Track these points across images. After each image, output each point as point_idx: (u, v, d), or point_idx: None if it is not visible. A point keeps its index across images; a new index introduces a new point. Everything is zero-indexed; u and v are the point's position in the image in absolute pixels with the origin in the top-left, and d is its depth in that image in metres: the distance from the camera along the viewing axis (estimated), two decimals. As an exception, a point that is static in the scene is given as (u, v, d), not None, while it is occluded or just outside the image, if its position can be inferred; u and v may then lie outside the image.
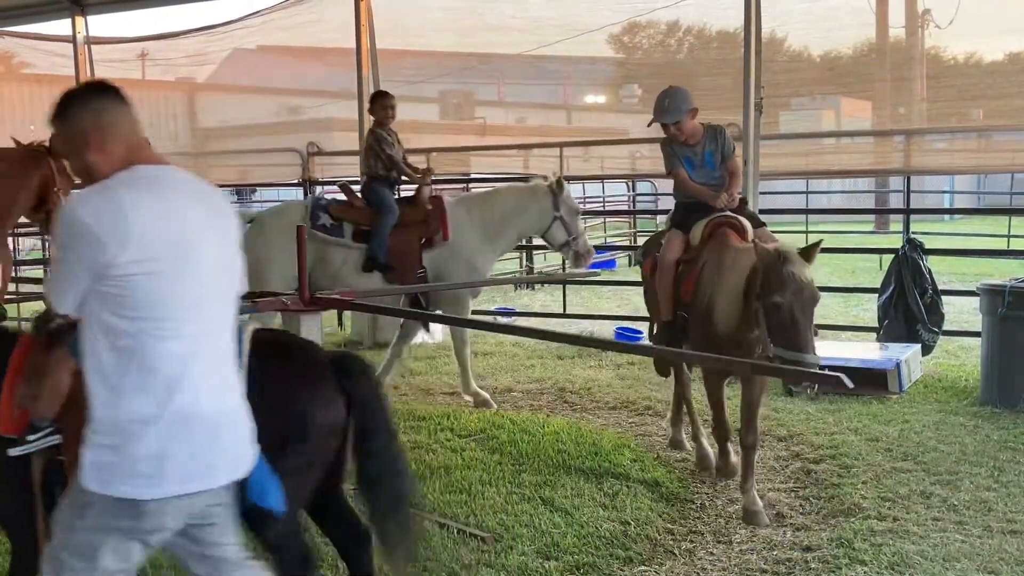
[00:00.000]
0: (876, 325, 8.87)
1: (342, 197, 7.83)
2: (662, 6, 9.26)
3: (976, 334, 7.99)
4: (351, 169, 10.57)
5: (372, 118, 7.83)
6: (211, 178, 13.03)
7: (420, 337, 8.73)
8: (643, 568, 4.45)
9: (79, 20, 11.60)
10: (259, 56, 12.35)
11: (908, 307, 8.45)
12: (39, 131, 13.45)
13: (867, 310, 11.02)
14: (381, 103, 7.72)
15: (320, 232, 7.36)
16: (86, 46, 11.71)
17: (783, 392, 7.62)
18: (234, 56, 12.29)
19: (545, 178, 7.70)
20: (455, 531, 4.77)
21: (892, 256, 8.90)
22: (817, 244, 4.67)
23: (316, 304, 5.73)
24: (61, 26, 12.03)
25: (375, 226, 7.43)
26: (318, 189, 12.39)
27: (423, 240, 7.46)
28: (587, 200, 20.32)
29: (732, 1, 8.55)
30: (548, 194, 7.47)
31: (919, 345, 8.25)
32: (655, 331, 6.14)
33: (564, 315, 11.41)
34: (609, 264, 16.28)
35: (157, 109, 12.70)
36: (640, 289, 7.14)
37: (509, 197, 7.71)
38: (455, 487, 5.44)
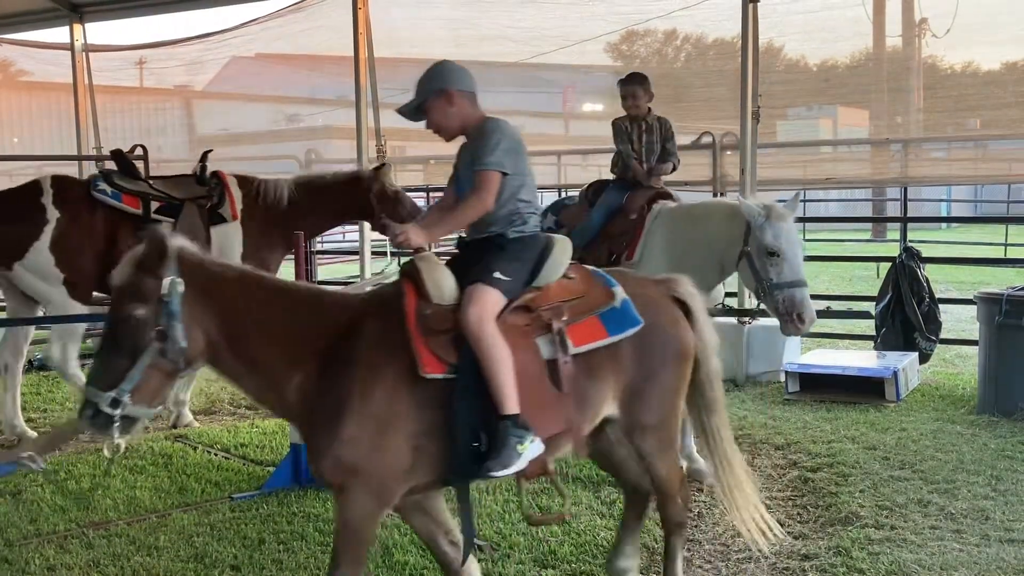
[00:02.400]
0: (873, 333, 8.87)
1: None
2: (656, 15, 9.29)
3: (973, 343, 8.00)
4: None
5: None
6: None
7: None
8: (640, 577, 4.44)
9: (77, 28, 11.61)
10: (257, 64, 12.37)
11: (905, 315, 8.46)
12: (24, 141, 13.48)
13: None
14: (620, 91, 6.47)
15: None
16: (84, 54, 11.72)
17: (780, 400, 7.64)
18: (232, 64, 12.31)
19: None
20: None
21: (889, 264, 8.91)
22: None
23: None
24: (59, 34, 12.06)
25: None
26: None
27: (612, 256, 6.16)
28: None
29: (729, 12, 8.57)
30: (739, 219, 5.48)
31: (916, 353, 8.25)
32: None
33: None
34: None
35: (155, 117, 12.71)
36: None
37: (704, 216, 6.02)
38: (452, 495, 5.43)
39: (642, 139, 6.38)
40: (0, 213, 6.58)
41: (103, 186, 6.73)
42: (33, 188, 6.72)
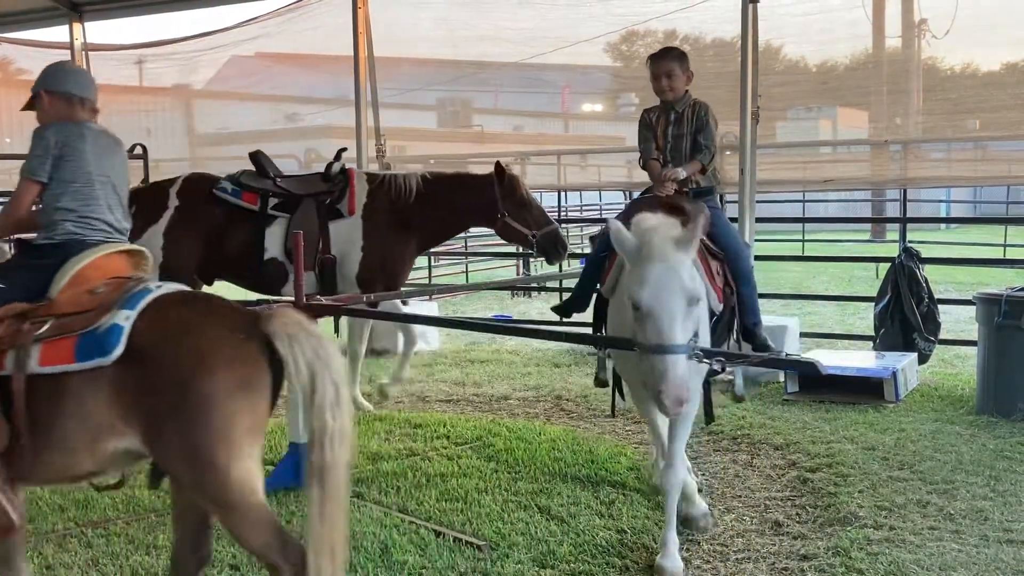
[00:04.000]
0: (872, 334, 8.88)
1: None
2: (653, 17, 9.27)
3: (972, 343, 8.00)
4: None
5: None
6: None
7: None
8: (639, 577, 4.45)
9: (77, 27, 11.60)
10: (256, 63, 12.36)
11: (904, 316, 8.47)
12: (23, 141, 13.44)
13: (863, 318, 11.04)
14: (651, 70, 5.29)
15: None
16: (84, 53, 11.71)
17: (779, 400, 7.64)
18: (232, 63, 12.30)
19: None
20: (451, 539, 4.76)
21: (888, 265, 8.92)
22: None
23: (306, 311, 5.75)
24: (59, 32, 12.03)
25: None
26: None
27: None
28: (584, 208, 20.36)
29: (727, 14, 8.56)
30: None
31: (915, 354, 8.26)
32: None
33: (560, 322, 11.40)
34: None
35: (155, 116, 12.70)
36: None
37: None
38: (451, 495, 5.44)
39: (667, 132, 5.14)
40: (139, 200, 7.04)
41: (225, 183, 7.15)
42: (169, 181, 7.32)
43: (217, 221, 7.04)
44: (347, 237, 7.09)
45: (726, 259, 4.76)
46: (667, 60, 5.15)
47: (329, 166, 7.32)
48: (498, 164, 7.16)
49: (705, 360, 4.03)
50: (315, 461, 3.17)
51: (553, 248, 7.09)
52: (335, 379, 3.20)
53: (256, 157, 7.39)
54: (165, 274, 7.03)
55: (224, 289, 7.09)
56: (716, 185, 5.01)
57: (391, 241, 7.13)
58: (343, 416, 3.21)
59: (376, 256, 7.10)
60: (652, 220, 3.98)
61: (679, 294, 3.78)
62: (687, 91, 5.17)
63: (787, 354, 3.75)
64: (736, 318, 4.89)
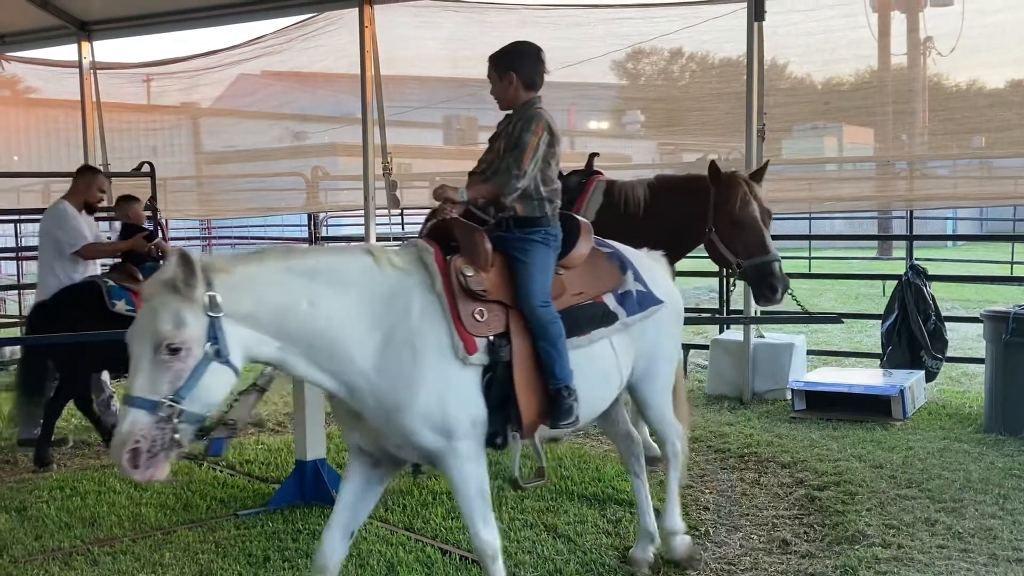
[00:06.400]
0: (879, 351, 8.86)
1: None
2: (656, 36, 9.29)
3: (980, 361, 7.98)
4: (355, 194, 10.61)
5: None
6: (217, 202, 13.00)
7: None
8: (646, 596, 4.43)
9: (85, 45, 11.67)
10: (263, 81, 12.42)
11: (911, 333, 8.45)
12: (31, 158, 13.49)
13: (870, 336, 11.01)
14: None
15: None
16: (92, 71, 11.78)
17: (786, 418, 7.61)
18: (239, 81, 12.36)
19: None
20: (457, 558, 4.75)
21: (895, 282, 8.91)
22: None
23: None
24: (67, 51, 12.11)
25: None
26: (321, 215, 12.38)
27: None
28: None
29: (730, 33, 8.58)
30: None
31: (923, 372, 8.24)
32: None
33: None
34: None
35: (162, 133, 12.77)
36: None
37: None
38: (457, 513, 5.40)
39: (499, 146, 4.28)
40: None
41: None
42: None
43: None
44: None
45: (515, 305, 3.96)
46: (491, 64, 4.47)
47: (569, 175, 6.23)
48: (712, 164, 5.73)
49: (182, 423, 3.20)
50: None
51: (759, 285, 5.62)
52: None
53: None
54: None
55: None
56: (544, 216, 4.13)
57: None
58: None
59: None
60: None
61: (146, 338, 3.23)
62: (532, 98, 4.34)
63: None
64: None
